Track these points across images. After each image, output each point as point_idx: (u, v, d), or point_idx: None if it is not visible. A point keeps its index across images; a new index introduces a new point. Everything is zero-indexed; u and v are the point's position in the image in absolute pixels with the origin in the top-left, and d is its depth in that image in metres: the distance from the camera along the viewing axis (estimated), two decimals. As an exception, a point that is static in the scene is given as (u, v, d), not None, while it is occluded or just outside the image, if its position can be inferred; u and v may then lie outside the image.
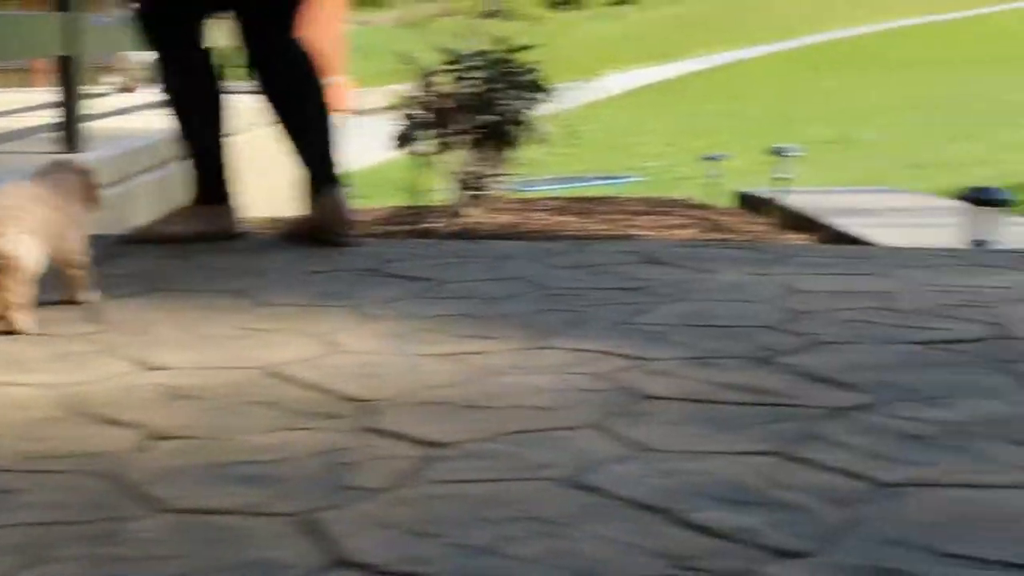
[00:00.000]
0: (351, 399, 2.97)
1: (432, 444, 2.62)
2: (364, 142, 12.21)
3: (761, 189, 12.76)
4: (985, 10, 64.12)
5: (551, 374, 3.21)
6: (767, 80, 46.30)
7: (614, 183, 20.04)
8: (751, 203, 12.40)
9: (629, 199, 11.53)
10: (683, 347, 3.48)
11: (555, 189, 16.08)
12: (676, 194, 14.11)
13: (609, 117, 36.05)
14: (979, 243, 6.23)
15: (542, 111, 9.09)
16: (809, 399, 2.96)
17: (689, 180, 18.96)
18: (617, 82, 45.96)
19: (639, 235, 8.02)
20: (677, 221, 9.26)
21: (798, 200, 10.94)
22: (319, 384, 3.09)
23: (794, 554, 2.07)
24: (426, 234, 7.76)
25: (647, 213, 9.73)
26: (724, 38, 57.35)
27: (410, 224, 8.35)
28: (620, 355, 3.39)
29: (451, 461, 2.53)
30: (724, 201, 13.66)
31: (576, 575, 1.99)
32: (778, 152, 13.87)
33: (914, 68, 45.42)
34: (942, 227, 7.09)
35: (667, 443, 2.63)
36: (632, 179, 21.41)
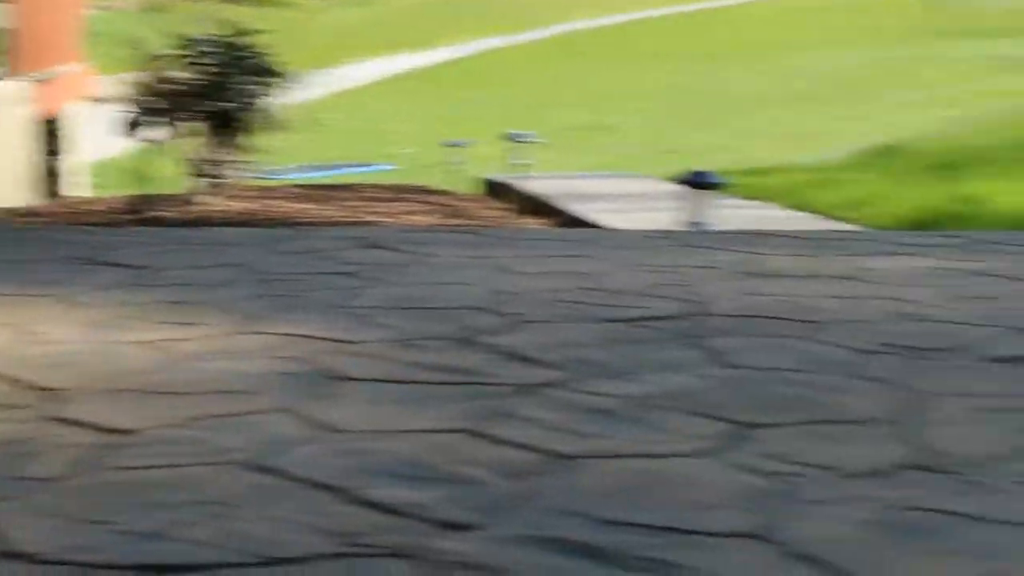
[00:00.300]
0: (40, 388, 2.90)
1: (117, 431, 2.58)
2: (101, 131, 11.91)
3: (503, 175, 12.87)
4: (727, 3, 65.97)
5: (254, 359, 3.19)
6: (521, 68, 46.72)
7: (365, 171, 19.97)
8: (495, 189, 12.50)
9: (371, 186, 11.49)
10: (390, 329, 3.50)
11: (303, 177, 15.95)
12: (425, 181, 14.12)
13: (362, 105, 35.89)
14: (696, 224, 6.43)
15: (285, 98, 8.99)
16: (504, 377, 3.00)
17: (439, 167, 19.01)
18: (371, 70, 45.78)
19: (376, 222, 8.02)
20: (417, 207, 9.27)
21: (538, 185, 11.07)
22: (7, 374, 3.01)
23: (464, 527, 2.10)
24: (156, 222, 7.61)
25: (388, 200, 9.72)
26: (477, 26, 57.69)
27: (141, 212, 8.18)
28: (326, 338, 3.39)
29: (134, 448, 2.49)
30: (469, 188, 13.74)
31: (244, 556, 1.98)
32: (514, 138, 14.01)
33: (662, 58, 46.39)
34: (670, 210, 7.27)
35: (356, 423, 2.64)
36: (383, 167, 21.38)
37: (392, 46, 51.88)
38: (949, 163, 12.24)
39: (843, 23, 51.38)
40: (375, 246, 5.08)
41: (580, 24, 58.56)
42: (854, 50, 42.48)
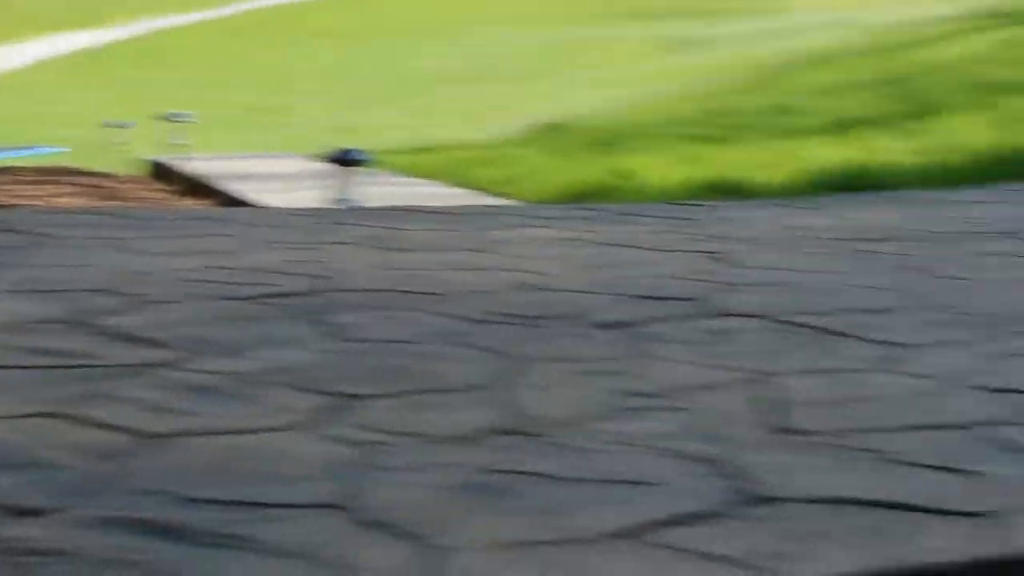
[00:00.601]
0: None
1: None
2: None
3: (167, 156, 12.65)
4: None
5: None
6: (197, 47, 45.85)
7: (27, 154, 19.25)
8: (159, 170, 12.27)
9: (23, 169, 11.15)
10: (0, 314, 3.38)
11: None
12: (91, 163, 13.73)
13: (29, 85, 34.62)
14: (343, 201, 6.45)
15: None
16: (111, 358, 2.94)
17: (107, 149, 18.51)
18: (34, 50, 44.17)
19: (18, 204, 7.75)
20: (68, 190, 9.03)
21: (200, 166, 10.92)
22: None
23: (39, 512, 2.04)
24: None
25: (38, 183, 9.43)
26: (150, 4, 56.32)
27: None
28: (-72, 326, 3.25)
29: None
30: (133, 169, 13.43)
31: None
32: (172, 118, 13.77)
33: (342, 36, 46.21)
34: (327, 189, 7.27)
35: (-60, 412, 2.53)
36: (47, 149, 20.64)
37: (58, 25, 50.17)
38: (609, 139, 12.63)
39: (521, 2, 52.31)
40: (8, 229, 4.90)
41: (259, 3, 57.88)
42: (532, 29, 43.30)
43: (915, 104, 11.95)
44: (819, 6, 40.32)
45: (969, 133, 9.60)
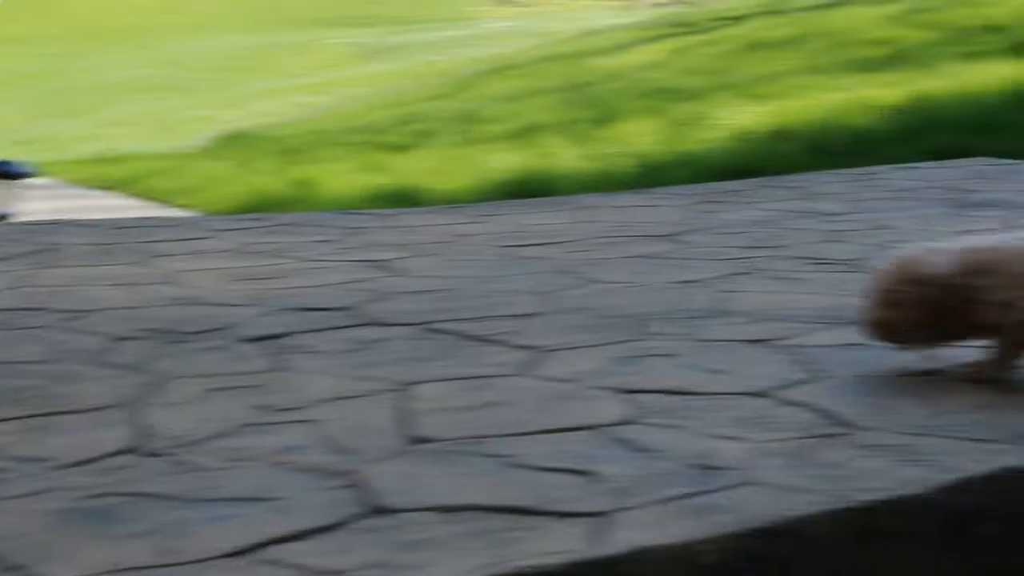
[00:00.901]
0: None
1: None
2: None
3: None
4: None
5: None
6: None
7: None
8: None
9: None
10: None
11: None
12: None
13: None
14: (3, 215, 6.23)
15: None
16: None
17: None
18: None
19: None
20: None
21: None
22: None
23: None
24: None
25: None
26: None
27: None
28: None
29: None
30: None
31: None
32: None
33: (28, 44, 44.62)
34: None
35: None
36: None
37: None
38: (296, 148, 12.55)
39: (217, 7, 51.44)
40: None
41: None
42: (229, 36, 42.65)
43: (592, 110, 12.26)
44: (505, 14, 40.98)
45: (639, 138, 9.90)
